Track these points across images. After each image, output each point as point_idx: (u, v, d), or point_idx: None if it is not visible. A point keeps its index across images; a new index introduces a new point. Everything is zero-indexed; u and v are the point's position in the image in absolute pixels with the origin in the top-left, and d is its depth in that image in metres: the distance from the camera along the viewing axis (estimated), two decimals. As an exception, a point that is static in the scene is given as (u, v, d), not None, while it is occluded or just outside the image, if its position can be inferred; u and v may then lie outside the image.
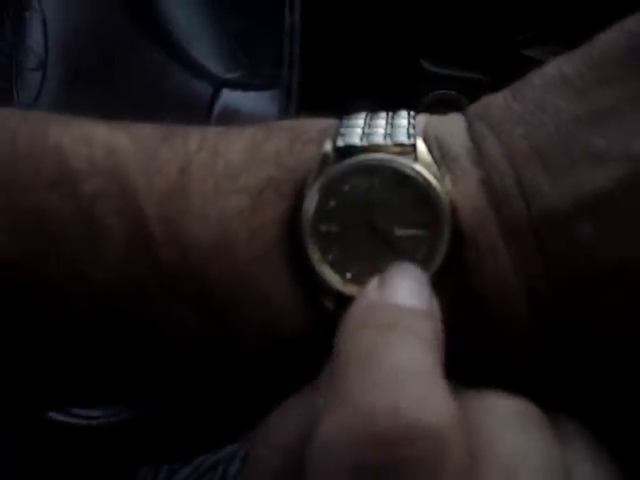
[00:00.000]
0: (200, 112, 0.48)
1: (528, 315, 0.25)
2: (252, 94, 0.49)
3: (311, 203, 0.25)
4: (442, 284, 0.25)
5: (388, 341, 0.22)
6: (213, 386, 0.28)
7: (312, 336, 0.25)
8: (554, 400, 0.25)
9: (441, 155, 0.26)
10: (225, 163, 0.26)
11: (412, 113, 0.27)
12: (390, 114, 0.27)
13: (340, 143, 0.26)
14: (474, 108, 0.27)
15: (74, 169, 0.26)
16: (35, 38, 0.53)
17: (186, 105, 0.49)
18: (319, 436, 0.21)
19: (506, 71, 0.41)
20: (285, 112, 0.44)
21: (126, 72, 0.51)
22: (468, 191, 0.25)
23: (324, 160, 0.26)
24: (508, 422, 0.23)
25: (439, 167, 0.25)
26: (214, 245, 0.26)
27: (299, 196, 0.26)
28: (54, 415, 0.45)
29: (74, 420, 0.46)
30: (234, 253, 0.26)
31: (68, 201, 0.26)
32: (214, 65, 0.50)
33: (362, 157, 0.25)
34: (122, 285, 0.26)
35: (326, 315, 0.25)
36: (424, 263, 0.25)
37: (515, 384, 0.24)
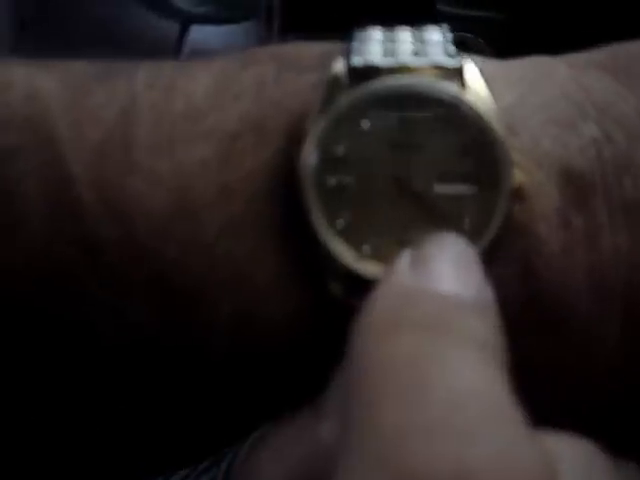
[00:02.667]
0: (167, 53, 0.45)
1: (622, 323, 0.21)
2: (225, 28, 0.45)
3: (314, 146, 0.20)
4: (497, 267, 0.20)
5: (438, 351, 0.17)
6: (182, 398, 0.24)
7: (310, 332, 0.21)
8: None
9: (520, 100, 0.21)
10: (185, 101, 0.22)
11: (445, 25, 0.22)
12: (416, 28, 0.22)
13: (357, 62, 0.20)
14: (582, 56, 0.23)
15: None
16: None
17: (150, 46, 0.47)
18: None
19: (522, 8, 0.41)
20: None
21: (80, 15, 0.49)
22: (563, 146, 0.21)
23: (333, 85, 0.20)
24: (577, 476, 0.18)
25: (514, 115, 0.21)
26: (169, 213, 0.21)
27: (292, 139, 0.21)
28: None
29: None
30: (198, 221, 0.21)
31: None
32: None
33: (387, 81, 0.20)
34: (44, 273, 0.21)
35: (331, 304, 0.21)
36: (473, 234, 0.20)
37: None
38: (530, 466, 0.15)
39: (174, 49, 0.45)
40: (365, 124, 0.20)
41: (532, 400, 0.18)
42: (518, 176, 0.20)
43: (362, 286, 0.19)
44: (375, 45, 0.21)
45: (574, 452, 0.18)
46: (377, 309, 0.18)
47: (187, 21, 0.45)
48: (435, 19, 0.38)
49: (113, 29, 0.47)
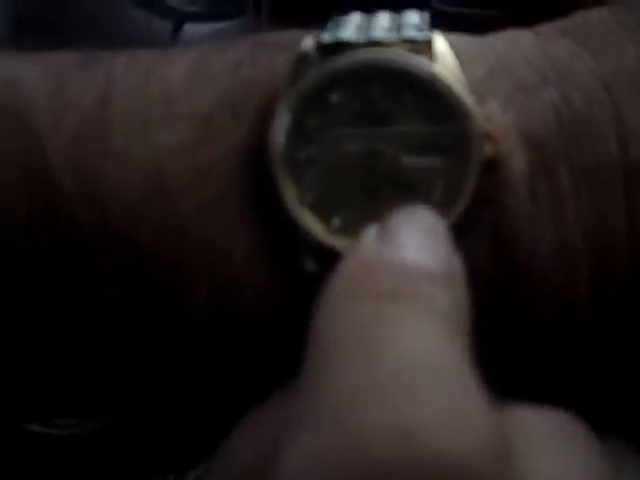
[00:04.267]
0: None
1: (590, 288, 0.20)
2: (217, 25, 0.45)
3: (283, 121, 0.20)
4: (467, 238, 0.20)
5: (394, 318, 0.17)
6: (163, 381, 0.23)
7: (289, 310, 0.21)
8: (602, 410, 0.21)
9: (488, 71, 0.21)
10: (161, 85, 0.21)
11: (425, 12, 0.22)
12: (396, 13, 0.22)
13: (326, 38, 0.20)
14: (547, 26, 0.23)
15: None
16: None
17: (145, 46, 0.44)
18: (281, 466, 0.15)
19: (524, 5, 0.39)
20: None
21: (76, 17, 0.47)
22: (527, 114, 0.20)
23: (302, 61, 0.20)
24: (546, 443, 0.17)
25: (483, 83, 0.21)
26: (144, 196, 0.21)
27: (265, 116, 0.20)
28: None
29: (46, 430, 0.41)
30: (174, 202, 0.21)
31: None
32: (173, -2, 0.50)
33: (355, 55, 0.20)
34: (25, 260, 0.21)
35: (305, 279, 0.20)
36: (443, 206, 0.20)
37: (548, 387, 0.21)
38: (477, 427, 0.15)
39: (168, 46, 0.43)
40: (334, 98, 0.20)
41: (508, 377, 0.18)
42: (488, 147, 0.20)
43: (333, 261, 0.19)
44: (350, 25, 0.21)
45: (550, 425, 0.17)
46: (338, 280, 0.18)
47: (179, 20, 0.45)
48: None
49: (107, 30, 0.46)
